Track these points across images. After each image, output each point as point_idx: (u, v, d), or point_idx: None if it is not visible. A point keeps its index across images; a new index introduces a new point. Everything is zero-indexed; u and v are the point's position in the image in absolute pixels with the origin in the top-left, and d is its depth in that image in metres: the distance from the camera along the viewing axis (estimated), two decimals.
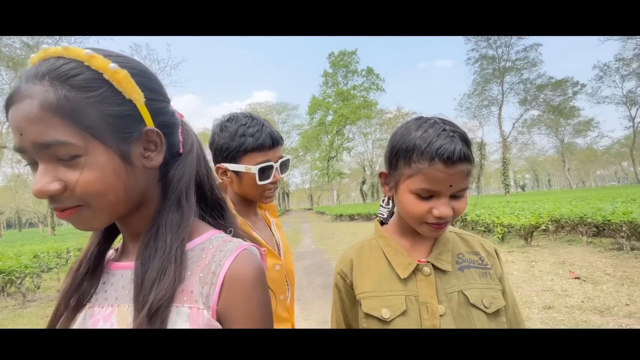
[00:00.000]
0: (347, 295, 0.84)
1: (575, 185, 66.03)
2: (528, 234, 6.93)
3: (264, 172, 1.01)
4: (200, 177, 0.59)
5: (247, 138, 0.99)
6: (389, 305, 0.72)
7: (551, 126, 44.44)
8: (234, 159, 1.01)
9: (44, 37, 22.34)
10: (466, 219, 9.38)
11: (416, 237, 0.78)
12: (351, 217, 20.80)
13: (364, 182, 49.24)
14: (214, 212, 0.62)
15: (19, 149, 0.44)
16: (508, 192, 35.98)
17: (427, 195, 0.67)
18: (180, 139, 0.58)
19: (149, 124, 0.50)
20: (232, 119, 1.04)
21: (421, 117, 0.72)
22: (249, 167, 1.00)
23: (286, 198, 52.86)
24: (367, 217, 19.39)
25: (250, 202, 1.11)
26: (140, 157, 0.50)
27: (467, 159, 0.65)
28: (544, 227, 6.92)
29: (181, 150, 0.57)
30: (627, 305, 3.57)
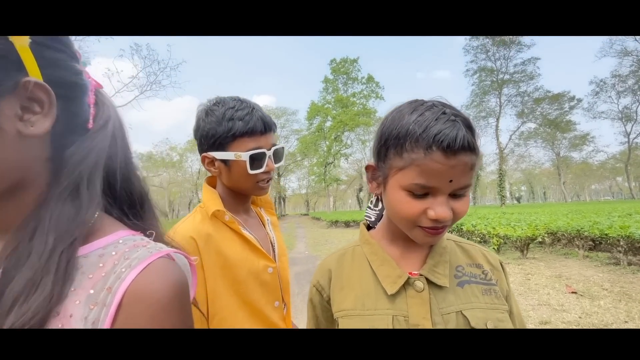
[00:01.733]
0: (322, 312, 0.71)
1: (570, 199, 66.41)
2: (524, 245, 6.83)
3: (256, 161, 0.90)
4: (114, 162, 0.45)
5: (235, 122, 0.87)
6: (373, 327, 0.59)
7: (547, 139, 44.78)
8: (221, 146, 0.90)
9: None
10: (462, 228, 9.27)
11: (408, 245, 0.65)
12: (346, 224, 20.65)
13: (360, 189, 49.16)
14: (127, 208, 0.47)
15: None
16: (504, 203, 36.03)
17: (421, 193, 0.55)
18: (92, 111, 0.44)
19: (34, 74, 0.36)
20: (219, 102, 0.92)
21: (417, 100, 0.59)
22: (239, 154, 0.88)
23: (282, 203, 52.61)
24: None
25: (241, 197, 1.00)
26: (13, 119, 0.36)
27: (470, 148, 0.52)
28: (540, 240, 6.82)
29: (90, 125, 0.44)
30: (626, 322, 3.47)
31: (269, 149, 0.93)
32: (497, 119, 38.45)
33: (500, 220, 8.83)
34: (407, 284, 0.61)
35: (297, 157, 48.03)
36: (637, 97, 38.68)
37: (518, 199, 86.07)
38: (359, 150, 47.90)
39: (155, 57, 28.92)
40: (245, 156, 0.89)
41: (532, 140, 44.92)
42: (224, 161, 0.91)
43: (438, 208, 0.53)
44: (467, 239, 9.20)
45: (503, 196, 36.41)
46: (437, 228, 0.56)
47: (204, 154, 0.93)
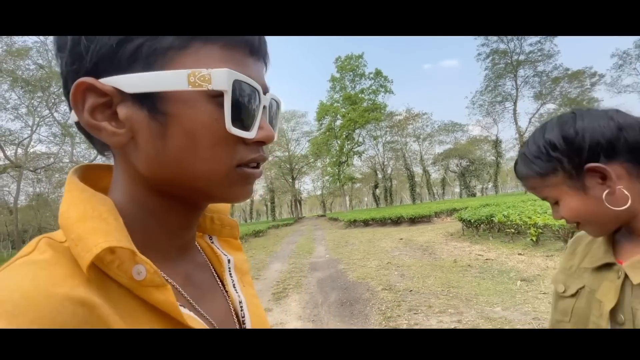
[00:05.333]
0: None
1: None
2: (568, 235, 6.19)
3: (244, 107, 0.34)
4: None
5: None
6: (567, 283, 0.74)
7: None
8: (144, 59, 0.32)
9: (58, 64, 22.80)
10: (493, 220, 8.65)
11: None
12: (365, 223, 20.12)
13: (376, 186, 48.40)
14: None
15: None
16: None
17: None
18: None
19: None
20: None
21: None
22: (205, 72, 0.31)
23: (299, 205, 52.49)
24: (382, 222, 18.68)
25: (182, 208, 0.38)
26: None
27: (526, 176, 0.70)
28: None
29: None
30: None
31: (265, 92, 0.37)
32: (515, 103, 36.96)
33: (534, 208, 8.15)
34: (608, 266, 0.67)
35: (310, 158, 47.74)
36: None
37: None
38: (372, 147, 47.22)
39: None
40: (220, 81, 0.32)
41: None
42: (154, 106, 0.32)
43: None
44: (499, 230, 8.60)
45: None
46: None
47: (88, 79, 0.31)
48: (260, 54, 0.37)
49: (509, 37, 35.67)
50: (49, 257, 0.28)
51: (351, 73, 42.99)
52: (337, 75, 43.60)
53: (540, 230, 6.61)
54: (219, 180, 0.34)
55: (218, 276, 0.46)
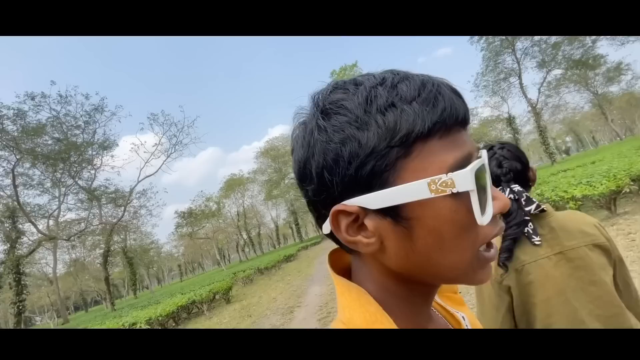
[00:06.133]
0: None
1: (623, 136, 60.30)
2: (610, 202, 5.86)
3: (482, 191, 0.34)
4: None
5: (411, 110, 0.33)
6: None
7: (579, 82, 41.23)
8: (378, 179, 0.34)
9: (76, 131, 24.28)
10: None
11: None
12: None
13: None
14: None
15: None
16: (554, 160, 33.17)
17: None
18: None
19: None
20: (346, 86, 0.37)
21: None
22: (443, 178, 0.32)
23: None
24: None
25: (424, 295, 0.42)
26: None
27: None
28: (626, 190, 5.82)
29: None
30: None
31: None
32: (519, 76, 36.07)
33: (567, 180, 7.79)
34: None
35: None
36: None
37: (567, 152, 79.62)
38: None
39: (171, 120, 30.69)
40: (464, 182, 0.32)
41: (562, 87, 41.59)
42: (396, 214, 0.35)
43: None
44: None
45: (551, 153, 33.60)
46: None
47: (339, 206, 0.36)
48: (468, 119, 0.36)
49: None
50: None
51: None
52: None
53: (581, 202, 6.29)
54: (465, 268, 0.35)
55: None
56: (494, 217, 0.35)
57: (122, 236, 34.98)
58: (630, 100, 52.33)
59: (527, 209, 0.97)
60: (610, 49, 50.57)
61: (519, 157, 1.05)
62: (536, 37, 35.61)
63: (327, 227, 0.37)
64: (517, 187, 1.00)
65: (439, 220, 0.33)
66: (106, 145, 27.06)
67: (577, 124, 66.93)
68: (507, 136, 45.30)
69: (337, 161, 0.34)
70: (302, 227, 58.10)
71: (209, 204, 49.22)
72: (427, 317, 0.43)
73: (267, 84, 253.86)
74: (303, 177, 0.37)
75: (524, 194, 0.98)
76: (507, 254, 0.95)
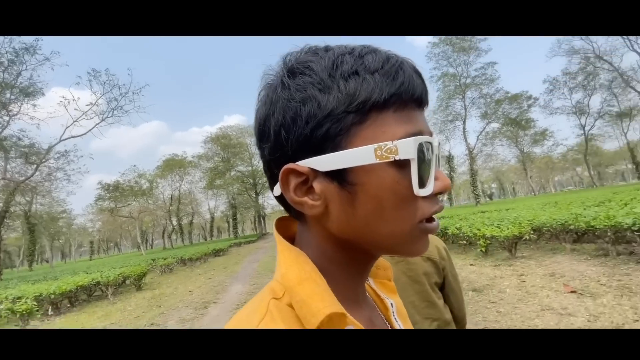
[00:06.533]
0: None
1: (537, 192, 69.79)
2: (512, 245, 6.67)
3: (424, 166, 0.35)
4: None
5: (370, 79, 0.35)
6: None
7: (511, 137, 46.91)
8: (333, 141, 0.35)
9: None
10: (447, 232, 9.10)
11: None
12: None
13: None
14: None
15: None
16: (478, 202, 37.01)
17: None
18: None
19: None
20: (317, 51, 0.38)
21: None
22: (390, 145, 0.34)
23: (262, 221, 51.28)
24: None
25: (362, 264, 0.42)
26: None
27: None
28: (527, 237, 6.70)
29: None
30: (637, 321, 3.23)
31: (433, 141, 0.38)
32: (464, 122, 39.89)
33: (482, 221, 8.72)
34: None
35: None
36: (587, 92, 41.62)
37: (490, 196, 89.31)
38: None
39: (115, 82, 27.74)
40: (406, 150, 0.34)
41: (497, 139, 46.86)
42: (342, 179, 0.36)
43: None
44: (453, 242, 9.05)
45: (477, 195, 37.46)
46: None
47: (291, 165, 0.36)
48: (426, 101, 0.38)
49: (457, 62, 38.86)
50: (272, 314, 0.35)
51: None
52: None
53: (489, 241, 7.06)
54: (403, 238, 0.36)
55: (387, 319, 0.48)
56: (434, 195, 0.37)
57: (27, 198, 30.46)
58: (548, 162, 60.92)
59: None
60: (541, 115, 58.56)
61: None
62: (484, 91, 39.86)
63: (277, 189, 0.38)
64: None
65: (381, 189, 0.34)
66: (29, 92, 23.47)
67: (503, 174, 75.87)
68: (445, 172, 49.46)
69: (295, 120, 0.35)
70: (240, 224, 56.35)
71: (141, 181, 45.23)
72: (360, 289, 0.43)
73: (238, 71, 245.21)
74: (262, 134, 0.38)
75: None
76: None
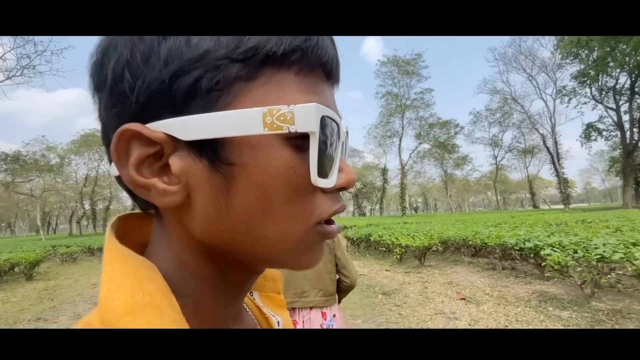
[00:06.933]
0: None
1: (454, 209, 78.27)
2: (422, 255, 7.38)
3: (326, 149, 0.27)
4: None
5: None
6: None
7: (438, 158, 52.12)
8: (205, 97, 0.25)
9: None
10: (370, 239, 9.68)
11: None
12: None
13: None
14: None
15: None
16: (404, 213, 40.12)
17: None
18: None
19: None
20: None
21: None
22: (284, 110, 0.25)
23: None
24: None
25: (239, 275, 0.31)
26: None
27: None
28: (435, 249, 7.48)
29: None
30: (506, 326, 3.83)
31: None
32: (400, 139, 43.11)
33: (401, 231, 9.48)
34: None
35: None
36: (502, 128, 48.45)
37: (415, 209, 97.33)
38: None
39: (29, 37, 23.66)
40: (306, 120, 0.25)
41: (426, 158, 51.76)
42: (216, 155, 0.25)
43: None
44: (375, 248, 9.64)
45: (404, 207, 40.59)
46: None
47: (132, 126, 0.24)
48: (336, 77, 0.30)
49: (401, 83, 41.89)
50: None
51: None
52: None
53: (404, 250, 7.71)
54: (293, 244, 0.27)
55: None
56: (337, 192, 0.30)
57: None
58: (465, 185, 68.87)
59: None
60: (465, 142, 66.15)
61: None
62: (421, 113, 43.54)
63: (114, 169, 0.27)
64: None
65: (270, 175, 0.25)
66: None
67: (428, 191, 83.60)
68: (378, 183, 52.72)
69: (147, 57, 0.24)
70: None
71: (49, 154, 39.11)
72: (234, 313, 0.33)
73: None
74: (97, 78, 0.27)
75: None
76: None
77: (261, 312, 0.40)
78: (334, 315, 1.91)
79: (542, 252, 4.73)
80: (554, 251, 4.59)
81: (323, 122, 0.25)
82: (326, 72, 0.28)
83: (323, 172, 0.26)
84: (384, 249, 8.77)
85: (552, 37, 35.66)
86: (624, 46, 25.47)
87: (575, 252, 4.36)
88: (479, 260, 7.47)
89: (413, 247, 7.19)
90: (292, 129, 0.24)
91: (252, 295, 0.41)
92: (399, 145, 43.04)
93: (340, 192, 0.30)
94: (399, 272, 7.17)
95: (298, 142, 0.25)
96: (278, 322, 0.40)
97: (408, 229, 10.42)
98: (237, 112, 0.24)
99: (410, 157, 46.55)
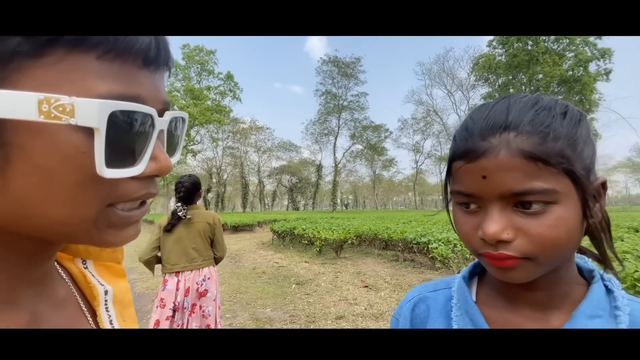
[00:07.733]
0: None
1: (380, 207, 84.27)
2: (338, 247, 7.93)
3: (127, 140, 0.26)
4: None
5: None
6: None
7: (368, 159, 55.49)
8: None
9: None
10: (294, 232, 9.99)
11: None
12: None
13: (209, 190, 46.32)
14: None
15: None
16: (335, 209, 41.84)
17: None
18: None
19: None
20: None
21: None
22: (64, 101, 0.22)
23: None
24: None
25: (33, 245, 0.30)
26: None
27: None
28: (350, 242, 8.11)
29: None
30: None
31: (161, 111, 0.30)
32: (335, 138, 44.74)
33: (325, 225, 10.01)
34: None
35: None
36: (424, 136, 53.66)
37: (347, 206, 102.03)
38: (210, 149, 45.39)
39: None
40: (88, 115, 0.23)
41: (358, 158, 54.67)
42: None
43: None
44: (299, 242, 10.01)
45: (335, 203, 42.32)
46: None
47: None
48: (159, 62, 0.28)
49: (339, 84, 43.34)
50: None
51: (199, 66, 40.43)
52: (182, 63, 39.98)
53: (323, 243, 8.18)
54: (84, 226, 0.26)
55: (90, 311, 0.37)
56: (148, 178, 0.29)
57: None
58: (390, 185, 74.68)
59: (180, 213, 2.54)
60: (392, 146, 71.58)
61: (195, 183, 2.57)
62: (356, 115, 45.69)
63: None
64: (180, 204, 2.55)
65: (55, 159, 0.23)
66: None
67: (358, 189, 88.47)
68: (313, 178, 53.98)
69: None
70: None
71: None
72: (32, 281, 0.31)
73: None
74: None
75: (184, 206, 2.56)
76: (173, 224, 2.52)
77: (87, 281, 0.38)
78: (209, 278, 2.61)
79: (430, 246, 5.54)
80: (439, 245, 5.42)
81: (117, 117, 0.24)
82: (143, 57, 0.26)
83: (126, 161, 0.25)
84: (306, 242, 9.16)
85: (469, 60, 40.57)
86: (522, 76, 30.35)
87: (455, 246, 5.21)
88: (387, 252, 8.32)
89: (331, 240, 7.69)
90: (73, 122, 0.22)
91: (84, 263, 0.40)
92: (334, 143, 44.64)
93: (157, 179, 0.30)
94: (316, 263, 7.59)
95: (90, 129, 0.23)
96: (106, 292, 0.39)
97: (333, 223, 11.02)
98: (8, 92, 0.21)
99: (344, 156, 48.76)
